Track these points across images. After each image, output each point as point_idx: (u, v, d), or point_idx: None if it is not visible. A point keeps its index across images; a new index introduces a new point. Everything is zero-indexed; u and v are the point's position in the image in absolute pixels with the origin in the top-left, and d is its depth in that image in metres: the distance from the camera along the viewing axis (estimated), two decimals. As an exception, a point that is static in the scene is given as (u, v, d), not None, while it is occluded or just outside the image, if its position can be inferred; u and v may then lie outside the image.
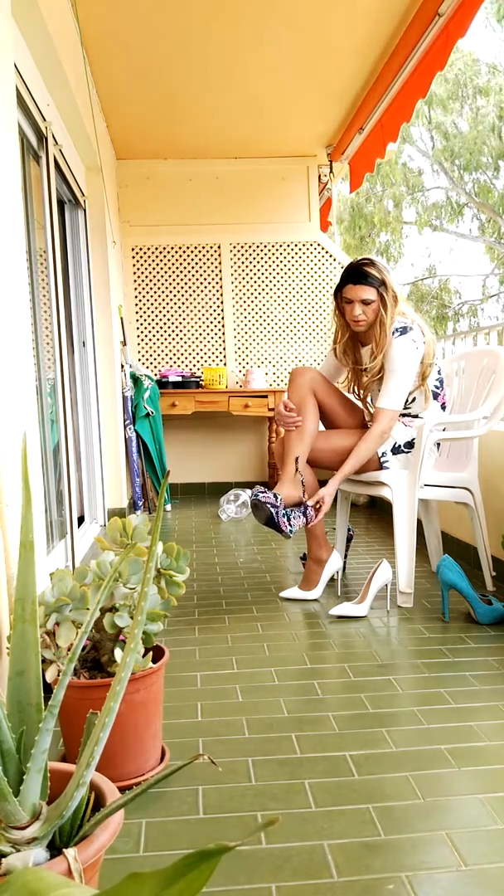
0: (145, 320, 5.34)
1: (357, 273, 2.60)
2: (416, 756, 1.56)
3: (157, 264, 5.30)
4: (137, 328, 5.33)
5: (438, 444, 2.80)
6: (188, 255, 5.31)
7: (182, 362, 5.37)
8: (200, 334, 5.37)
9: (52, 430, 3.12)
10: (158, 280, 5.31)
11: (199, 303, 5.34)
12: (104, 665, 1.51)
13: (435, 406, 2.70)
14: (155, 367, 5.35)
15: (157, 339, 5.36)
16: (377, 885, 1.15)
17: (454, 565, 2.42)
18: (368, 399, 2.85)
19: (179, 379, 5.05)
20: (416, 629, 2.37)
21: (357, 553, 3.41)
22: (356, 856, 1.22)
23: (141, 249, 5.28)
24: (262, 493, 2.54)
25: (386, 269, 2.63)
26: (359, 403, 2.87)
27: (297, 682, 1.98)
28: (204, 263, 5.33)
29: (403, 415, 2.72)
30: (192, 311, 5.34)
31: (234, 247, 5.33)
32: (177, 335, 5.36)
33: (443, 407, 2.74)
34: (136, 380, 4.77)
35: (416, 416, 2.70)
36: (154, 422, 4.83)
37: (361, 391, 2.82)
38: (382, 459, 2.65)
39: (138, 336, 5.34)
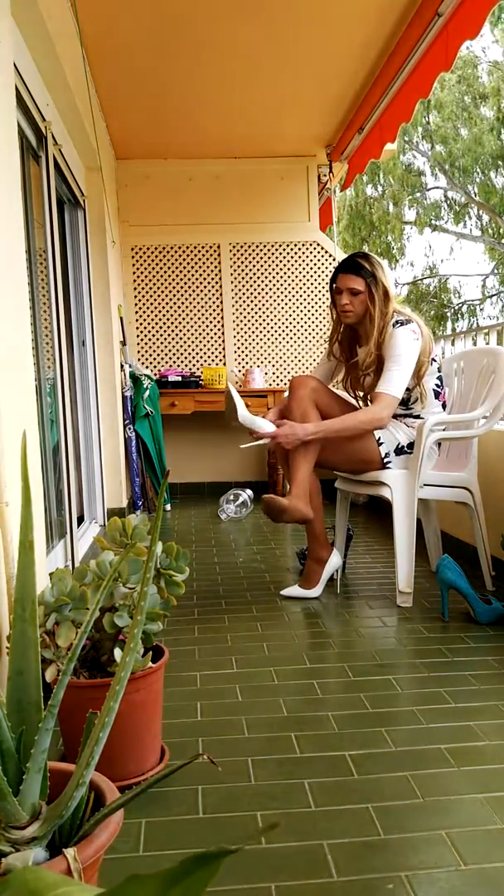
0: (145, 320, 5.34)
1: (349, 262, 2.67)
2: (415, 756, 1.56)
3: (157, 264, 5.30)
4: (137, 328, 5.33)
5: (439, 444, 2.80)
6: (188, 255, 5.31)
7: (182, 362, 5.37)
8: (200, 334, 5.36)
9: (51, 429, 3.12)
10: (158, 280, 5.31)
11: (198, 302, 5.34)
12: (104, 665, 1.51)
13: (436, 405, 2.71)
14: (154, 366, 5.35)
15: (157, 339, 5.36)
16: (377, 884, 1.15)
17: (453, 565, 2.42)
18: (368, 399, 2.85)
19: (179, 379, 5.04)
20: (416, 629, 2.37)
21: (357, 552, 3.41)
22: (356, 855, 1.22)
23: (140, 249, 5.28)
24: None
25: (380, 266, 2.67)
26: (357, 405, 2.88)
27: (297, 681, 1.98)
28: (203, 263, 5.32)
29: (406, 415, 2.72)
30: (191, 310, 5.34)
31: (234, 246, 5.33)
32: (176, 335, 5.36)
33: (443, 406, 2.74)
34: (135, 379, 4.76)
35: (417, 417, 2.71)
36: (153, 422, 4.83)
37: (361, 391, 2.82)
38: (385, 460, 2.65)
39: (138, 336, 5.34)
